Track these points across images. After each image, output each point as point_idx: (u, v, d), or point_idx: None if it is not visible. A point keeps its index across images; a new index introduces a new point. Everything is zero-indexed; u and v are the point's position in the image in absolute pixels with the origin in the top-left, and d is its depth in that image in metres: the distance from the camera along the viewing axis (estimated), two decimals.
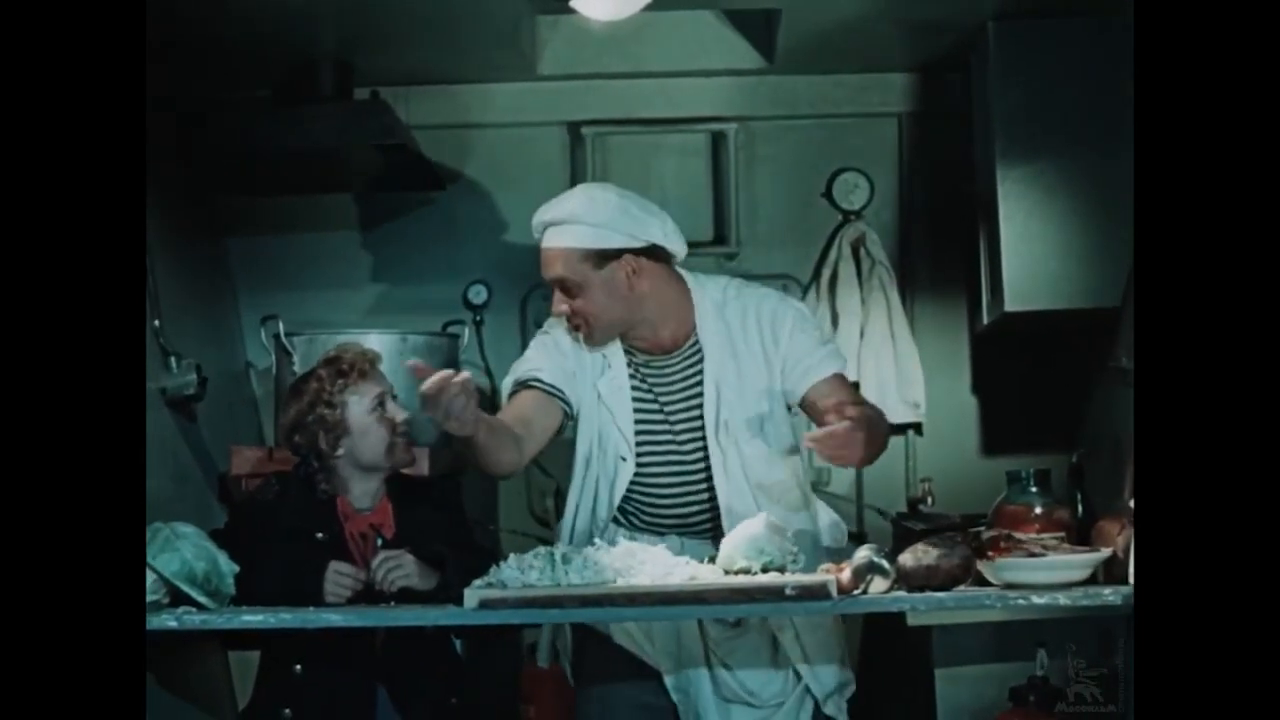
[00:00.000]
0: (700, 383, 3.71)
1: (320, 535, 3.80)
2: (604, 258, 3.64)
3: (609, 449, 3.72)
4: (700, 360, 3.72)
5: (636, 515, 3.76)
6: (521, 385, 3.74)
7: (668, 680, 3.73)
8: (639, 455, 3.71)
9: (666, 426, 3.73)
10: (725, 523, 3.63)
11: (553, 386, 3.72)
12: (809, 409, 3.71)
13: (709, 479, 3.70)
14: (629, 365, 3.75)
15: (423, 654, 3.83)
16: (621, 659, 3.75)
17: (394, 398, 3.92)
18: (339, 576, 3.59)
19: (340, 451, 3.84)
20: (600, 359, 3.75)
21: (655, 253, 3.69)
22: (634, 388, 3.74)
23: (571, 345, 3.77)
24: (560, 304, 3.69)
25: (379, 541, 3.82)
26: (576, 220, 3.64)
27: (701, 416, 3.70)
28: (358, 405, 3.85)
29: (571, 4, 4.41)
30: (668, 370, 3.75)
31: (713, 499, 3.70)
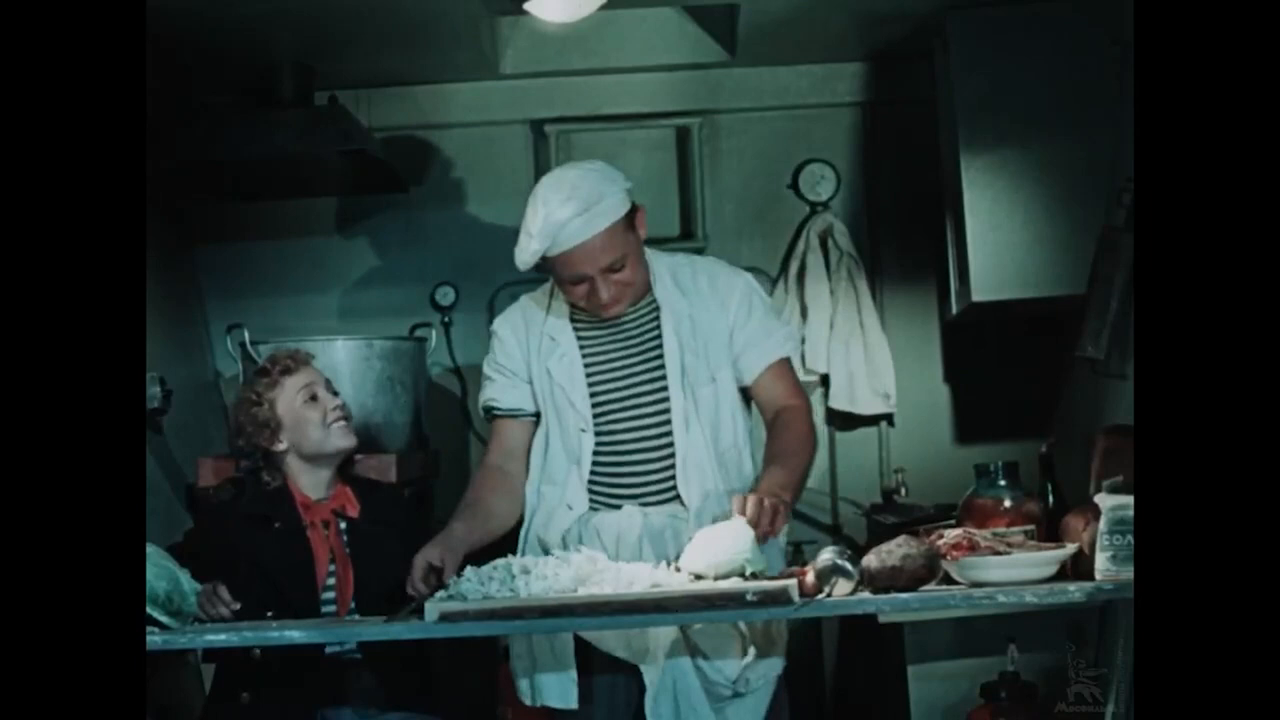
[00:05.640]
0: (659, 334, 3.70)
1: (277, 525, 3.85)
2: (630, 218, 3.62)
3: (568, 425, 3.69)
4: (657, 314, 3.71)
5: (596, 486, 3.69)
6: (488, 414, 3.82)
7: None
8: (597, 422, 3.67)
9: (626, 385, 3.69)
10: (681, 477, 3.62)
11: (511, 410, 3.77)
12: (756, 392, 3.74)
13: (668, 429, 3.65)
14: (577, 337, 3.73)
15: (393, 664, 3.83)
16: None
17: (330, 389, 4.00)
18: (212, 595, 3.48)
19: (281, 445, 3.92)
20: (547, 340, 3.74)
21: None
22: (585, 358, 3.71)
23: (515, 338, 3.77)
24: (602, 290, 3.58)
25: (342, 525, 3.88)
26: (600, 197, 3.55)
27: (662, 366, 3.67)
28: (286, 398, 3.94)
29: (525, 6, 4.37)
30: (625, 327, 3.72)
31: (671, 453, 3.65)
